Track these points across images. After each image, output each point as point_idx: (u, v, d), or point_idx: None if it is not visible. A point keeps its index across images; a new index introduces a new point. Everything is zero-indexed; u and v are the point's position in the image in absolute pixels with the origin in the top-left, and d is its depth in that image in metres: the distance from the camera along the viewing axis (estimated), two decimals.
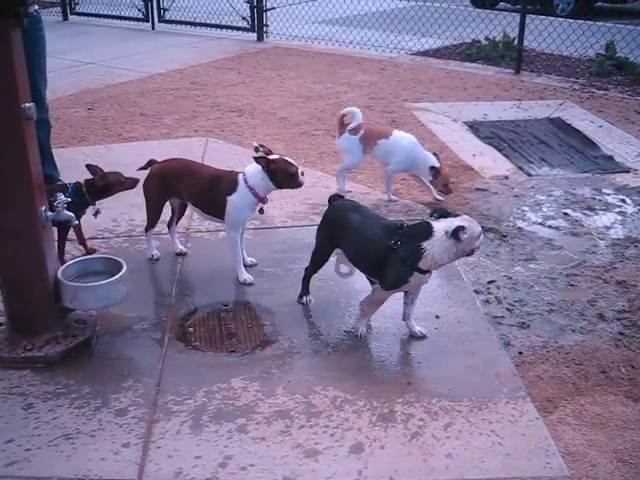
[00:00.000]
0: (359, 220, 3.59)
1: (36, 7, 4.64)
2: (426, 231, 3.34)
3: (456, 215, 3.43)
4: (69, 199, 3.53)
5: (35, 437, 2.95)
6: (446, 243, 3.30)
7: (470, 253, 3.45)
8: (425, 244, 3.31)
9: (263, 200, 3.99)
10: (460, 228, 3.27)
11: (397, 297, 3.60)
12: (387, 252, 3.40)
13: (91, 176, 4.16)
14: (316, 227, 3.91)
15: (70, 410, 3.10)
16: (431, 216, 3.47)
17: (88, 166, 4.19)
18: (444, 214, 3.42)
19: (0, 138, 3.22)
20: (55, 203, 3.46)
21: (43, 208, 3.39)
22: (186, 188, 4.07)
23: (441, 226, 3.33)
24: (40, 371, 3.35)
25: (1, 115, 3.17)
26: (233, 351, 3.53)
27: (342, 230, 3.64)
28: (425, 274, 3.42)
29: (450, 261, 3.45)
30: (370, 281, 3.92)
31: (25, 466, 2.80)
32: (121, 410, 3.11)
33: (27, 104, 3.21)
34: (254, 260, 4.29)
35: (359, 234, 3.56)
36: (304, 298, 3.92)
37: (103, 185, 4.14)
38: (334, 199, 3.82)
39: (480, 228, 3.40)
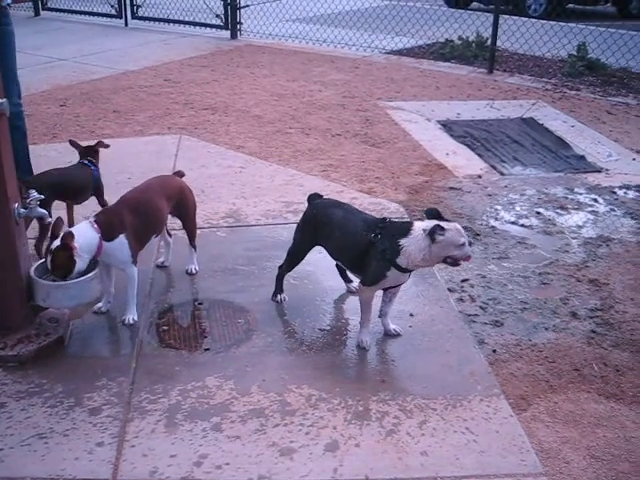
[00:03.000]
0: (341, 215, 3.59)
1: (9, 0, 4.57)
2: (406, 228, 3.35)
3: (448, 221, 3.38)
4: (42, 196, 3.49)
5: (8, 437, 2.92)
6: (421, 243, 3.29)
7: (454, 263, 3.37)
8: (402, 241, 3.31)
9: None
10: (437, 228, 3.24)
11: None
12: (368, 245, 3.41)
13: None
14: (290, 225, 3.91)
15: (43, 409, 3.07)
16: (425, 215, 3.45)
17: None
18: (436, 215, 3.39)
19: None
20: (28, 200, 3.41)
21: (16, 205, 3.34)
22: None
23: (421, 225, 3.33)
24: (12, 370, 3.32)
25: None
26: (207, 349, 3.51)
27: (324, 227, 3.63)
28: (403, 272, 3.41)
29: (426, 263, 3.40)
30: (344, 279, 3.94)
31: None
32: (95, 409, 3.08)
33: None
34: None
35: (342, 229, 3.55)
36: (278, 296, 3.91)
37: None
38: (313, 198, 3.80)
39: (465, 239, 3.31)
